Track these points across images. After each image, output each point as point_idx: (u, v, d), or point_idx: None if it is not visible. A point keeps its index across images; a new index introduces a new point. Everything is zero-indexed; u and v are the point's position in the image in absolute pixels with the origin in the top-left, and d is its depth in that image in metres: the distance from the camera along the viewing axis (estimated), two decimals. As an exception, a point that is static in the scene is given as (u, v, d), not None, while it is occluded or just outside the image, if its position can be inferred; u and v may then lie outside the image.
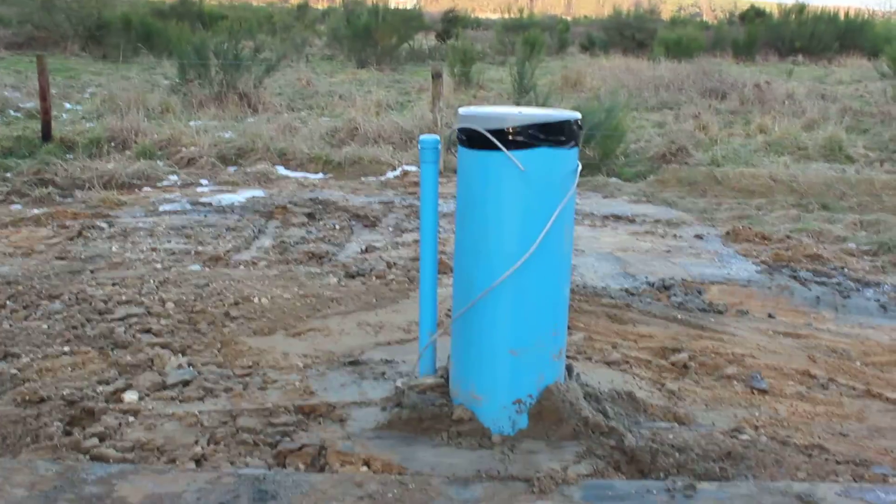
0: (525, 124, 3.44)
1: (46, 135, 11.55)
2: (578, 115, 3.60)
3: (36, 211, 8.09)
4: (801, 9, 39.75)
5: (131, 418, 3.90)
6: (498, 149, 3.44)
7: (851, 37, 36.42)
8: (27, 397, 4.07)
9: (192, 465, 3.52)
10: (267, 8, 51.51)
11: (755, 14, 44.71)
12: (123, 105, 13.88)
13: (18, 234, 7.23)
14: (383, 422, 3.81)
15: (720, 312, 5.68)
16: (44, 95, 11.64)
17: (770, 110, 16.84)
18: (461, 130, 3.59)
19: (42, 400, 4.04)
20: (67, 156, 10.87)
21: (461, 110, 3.64)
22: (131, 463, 3.52)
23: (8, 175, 9.73)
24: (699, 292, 6.06)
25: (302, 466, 3.52)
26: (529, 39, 29.14)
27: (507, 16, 47.34)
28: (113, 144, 11.44)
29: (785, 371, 4.65)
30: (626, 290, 6.08)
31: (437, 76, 11.24)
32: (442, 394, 3.87)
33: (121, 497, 3.20)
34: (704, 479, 3.40)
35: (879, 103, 18.33)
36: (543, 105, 12.01)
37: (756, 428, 3.94)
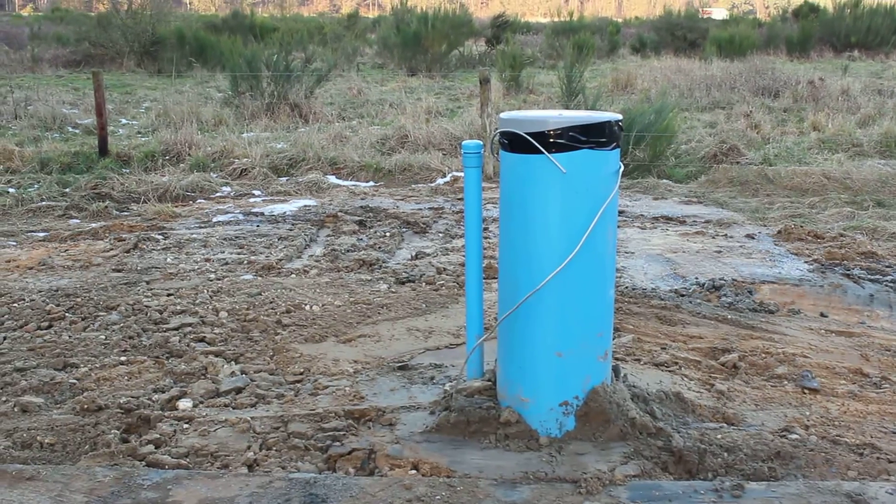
0: (565, 126, 3.46)
1: (103, 150, 11.76)
2: (619, 117, 3.61)
3: (93, 224, 8.25)
4: (856, 3, 39.20)
5: (185, 425, 3.97)
6: (539, 152, 3.47)
7: (908, 30, 35.83)
8: (85, 406, 4.17)
9: (245, 470, 3.58)
10: (318, 18, 51.91)
11: (809, 10, 44.16)
12: (177, 119, 14.13)
13: (77, 247, 7.38)
14: (432, 425, 3.85)
15: (771, 312, 5.64)
16: (100, 111, 11.86)
17: (824, 107, 16.65)
18: (503, 134, 3.62)
19: (100, 408, 4.14)
20: (123, 170, 11.08)
21: (502, 115, 3.67)
22: (186, 468, 3.59)
23: (67, 190, 9.94)
24: (750, 292, 6.02)
25: (352, 470, 3.56)
26: (579, 42, 29.10)
27: (556, 19, 47.27)
28: (167, 158, 11.64)
29: (837, 370, 4.62)
30: (676, 292, 6.06)
31: (485, 81, 11.27)
32: (489, 397, 3.90)
33: (176, 501, 3.27)
34: (753, 478, 3.40)
35: (937, 97, 18.04)
36: (592, 108, 12.00)
37: (806, 427, 3.91)
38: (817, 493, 3.22)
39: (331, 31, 38.79)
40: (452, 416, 3.82)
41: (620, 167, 3.66)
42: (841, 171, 10.52)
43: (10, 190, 10.00)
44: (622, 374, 4.06)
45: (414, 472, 3.52)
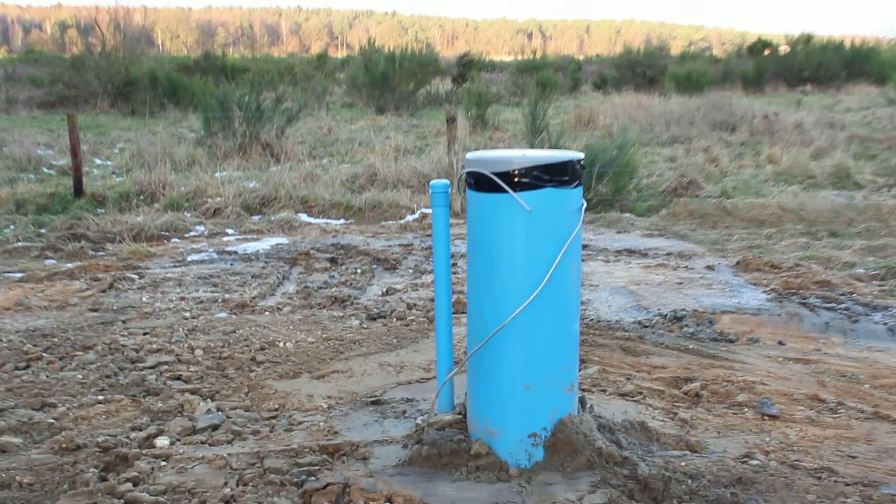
0: (529, 166, 3.51)
1: (78, 191, 11.72)
2: (581, 156, 3.67)
3: (69, 265, 8.21)
4: (807, 39, 39.88)
5: (163, 462, 3.96)
6: (504, 191, 3.52)
7: (858, 64, 36.54)
8: (64, 445, 4.14)
9: (222, 505, 3.58)
10: (288, 59, 52.06)
11: (763, 46, 44.84)
12: (151, 159, 14.10)
13: (53, 287, 7.34)
14: (405, 458, 3.86)
15: (731, 341, 5.71)
16: (75, 153, 11.83)
17: (779, 140, 16.90)
18: (469, 174, 3.67)
19: (78, 447, 4.12)
20: (99, 210, 11.05)
21: (468, 155, 3.71)
22: (164, 505, 3.58)
23: (42, 231, 9.89)
24: (710, 322, 6.09)
25: (327, 504, 3.57)
26: (542, 80, 29.34)
27: (520, 57, 47.66)
28: (142, 198, 11.62)
29: (795, 396, 4.68)
30: (640, 323, 6.11)
31: (451, 120, 11.36)
32: (460, 429, 3.92)
33: (154, 539, 3.26)
34: (716, 504, 3.44)
35: (886, 129, 18.36)
36: (556, 145, 12.10)
37: (767, 453, 3.96)
38: (778, 518, 3.27)
39: (301, 71, 38.91)
40: (424, 450, 3.84)
41: (583, 204, 3.72)
42: (796, 202, 10.66)
43: (-15, 231, 9.95)
44: (589, 405, 4.10)
45: (387, 504, 3.54)
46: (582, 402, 4.01)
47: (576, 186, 3.64)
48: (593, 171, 11.38)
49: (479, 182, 3.62)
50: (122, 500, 3.66)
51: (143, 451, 4.09)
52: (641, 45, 45.31)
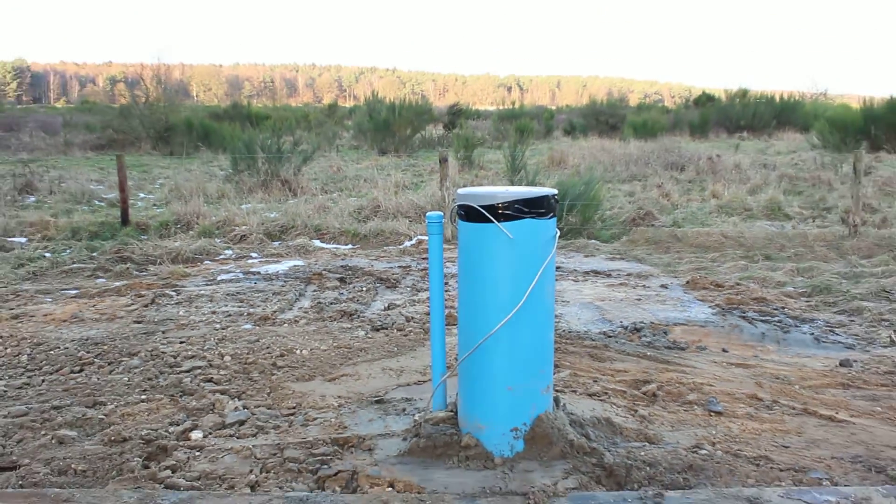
0: (511, 200, 3.52)
1: (125, 220, 11.69)
2: (555, 192, 3.68)
3: (117, 283, 8.17)
4: (744, 93, 40.20)
5: (197, 453, 3.94)
6: (490, 221, 3.53)
7: (786, 115, 36.81)
8: (112, 438, 4.12)
9: (248, 490, 3.55)
10: (303, 108, 52.13)
11: (707, 99, 45.12)
12: (186, 193, 14.08)
13: (103, 302, 7.31)
14: (404, 450, 3.84)
15: (682, 349, 5.70)
16: (122, 187, 11.81)
17: (721, 178, 16.97)
18: (460, 206, 3.67)
19: (124, 440, 4.09)
20: (142, 237, 11.01)
21: (459, 190, 3.71)
22: (198, 490, 3.55)
23: (94, 254, 9.86)
24: (665, 333, 6.08)
25: (338, 489, 3.54)
26: (520, 126, 29.43)
27: (501, 107, 47.89)
28: (179, 226, 11.59)
29: (736, 396, 4.67)
30: (605, 333, 6.11)
31: (443, 160, 11.37)
32: (452, 425, 3.90)
33: (190, 519, 3.23)
34: (671, 488, 3.42)
35: (810, 170, 18.47)
36: (532, 182, 12.13)
37: (713, 444, 3.95)
38: (723, 499, 3.25)
39: (314, 118, 39.00)
40: (421, 442, 3.82)
41: (557, 233, 3.72)
42: (735, 231, 10.68)
43: (47, 254, 9.90)
44: (562, 404, 4.09)
45: (390, 489, 3.51)
46: (556, 401, 4.00)
47: (551, 217, 3.65)
48: (564, 203, 11.41)
49: (469, 213, 3.62)
50: (162, 485, 3.63)
51: (180, 443, 4.06)
52: (604, 97, 45.48)
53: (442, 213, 3.94)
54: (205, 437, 4.16)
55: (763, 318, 6.44)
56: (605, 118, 37.55)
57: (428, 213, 3.92)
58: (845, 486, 3.45)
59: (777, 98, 39.61)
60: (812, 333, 6.04)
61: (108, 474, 3.78)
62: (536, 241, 3.60)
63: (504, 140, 28.86)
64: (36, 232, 11.30)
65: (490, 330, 3.59)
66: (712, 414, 4.39)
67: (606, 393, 4.72)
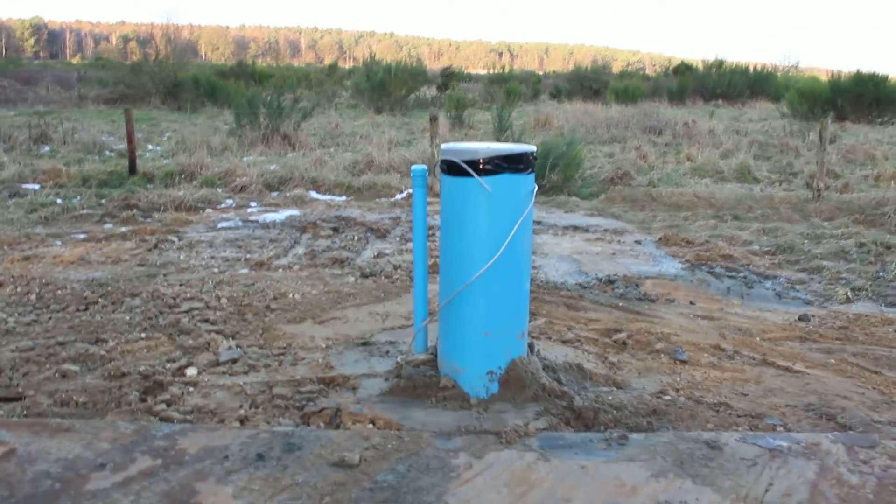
0: (492, 156, 3.45)
1: (132, 170, 11.55)
2: (534, 148, 3.60)
3: (123, 229, 8.08)
4: (720, 64, 39.88)
5: (191, 388, 3.89)
6: (471, 175, 3.45)
7: (759, 85, 36.59)
8: (112, 373, 4.07)
9: (238, 424, 3.51)
10: (305, 68, 51.51)
11: (685, 68, 44.75)
12: (191, 146, 13.89)
13: (109, 246, 7.22)
14: (386, 389, 3.80)
15: (652, 301, 5.67)
16: (130, 139, 11.65)
17: (696, 143, 16.86)
18: (443, 161, 3.59)
19: (123, 375, 4.05)
20: (148, 185, 10.88)
21: (443, 145, 3.63)
22: (191, 423, 3.51)
23: (103, 201, 9.73)
24: (637, 285, 6.05)
25: (322, 424, 3.51)
26: (509, 90, 29.17)
27: (492, 71, 47.44)
28: (183, 176, 11.43)
29: (701, 346, 4.64)
30: (580, 285, 6.07)
31: (433, 119, 11.23)
32: (432, 367, 3.86)
33: (182, 449, 3.19)
34: (635, 430, 3.39)
35: (779, 137, 18.35)
36: (517, 141, 11.99)
37: (677, 390, 3.92)
38: (683, 441, 3.22)
39: (315, 77, 38.52)
40: (402, 382, 3.79)
41: (535, 187, 3.65)
42: (707, 192, 10.62)
43: (58, 200, 9.77)
44: (536, 350, 4.04)
45: (371, 426, 3.47)
46: (531, 346, 3.96)
47: (529, 173, 3.57)
48: (547, 162, 11.31)
49: (451, 168, 3.54)
50: (157, 418, 3.59)
51: (176, 379, 4.01)
52: (589, 64, 45.06)
53: (426, 168, 3.86)
54: (199, 373, 4.11)
55: (729, 274, 6.41)
56: (589, 83, 37.25)
57: (413, 167, 3.83)
58: (798, 431, 3.43)
59: (751, 69, 39.31)
60: (774, 290, 6.02)
61: (107, 406, 3.73)
62: (515, 195, 3.53)
63: (494, 102, 28.60)
64: (48, 179, 11.15)
65: (469, 278, 3.54)
66: (677, 362, 4.36)
67: (579, 340, 4.68)
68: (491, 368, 3.67)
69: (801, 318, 5.24)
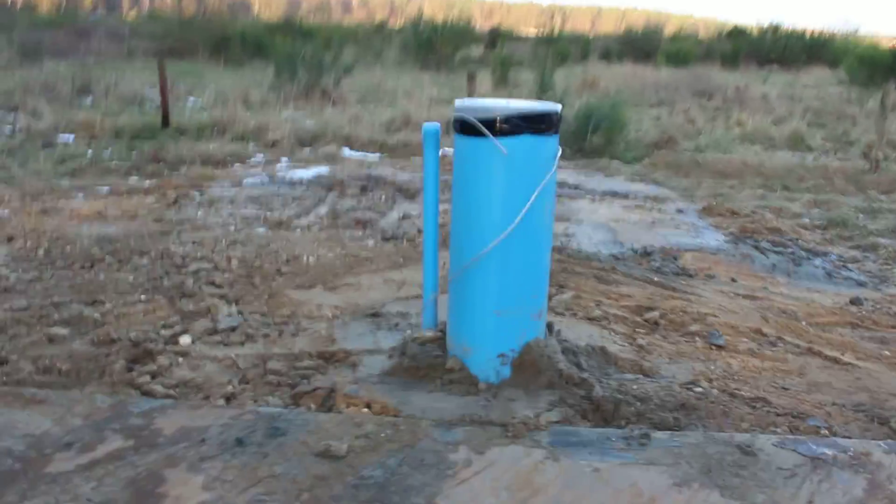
0: (510, 114, 3.02)
1: (165, 122, 11.28)
2: (558, 108, 3.15)
3: (147, 183, 7.80)
4: (775, 28, 38.46)
5: (181, 359, 3.58)
6: (486, 136, 3.03)
7: (816, 51, 35.12)
8: (101, 338, 3.79)
9: (223, 402, 3.20)
10: (355, 26, 50.87)
11: (739, 31, 43.26)
12: (233, 99, 13.58)
13: (130, 201, 6.95)
14: (388, 368, 3.44)
15: (690, 276, 5.20)
16: (163, 91, 11.38)
17: (747, 108, 16.05)
18: (456, 120, 3.17)
19: (113, 341, 3.76)
20: (181, 139, 10.59)
21: (457, 102, 3.21)
22: (173, 398, 3.20)
23: (133, 153, 9.48)
24: (675, 258, 5.57)
25: (313, 406, 3.16)
26: (558, 50, 28.38)
27: (541, 32, 46.58)
28: (216, 130, 11.11)
29: (740, 329, 4.19)
30: (614, 256, 5.61)
31: (471, 77, 10.75)
32: (439, 346, 3.48)
33: (157, 429, 2.89)
34: (659, 427, 2.98)
35: (835, 104, 17.44)
36: (560, 101, 11.42)
37: (710, 381, 3.50)
38: (713, 444, 2.81)
39: (362, 35, 37.90)
40: (406, 362, 3.41)
41: (559, 150, 3.21)
42: (756, 159, 10.01)
43: (89, 152, 9.55)
44: (556, 330, 3.64)
45: (366, 410, 3.12)
46: (549, 327, 3.56)
47: (552, 134, 3.13)
48: (589, 124, 10.78)
49: (465, 127, 3.13)
50: (139, 391, 3.29)
51: (167, 348, 3.71)
52: (641, 27, 43.77)
53: (439, 126, 3.44)
54: (193, 342, 3.80)
55: (775, 249, 5.89)
56: (640, 45, 36.09)
57: (425, 125, 3.42)
58: (845, 437, 2.99)
59: (808, 34, 37.74)
60: (824, 268, 5.49)
61: (90, 376, 3.44)
62: (535, 159, 3.11)
63: (547, 62, 27.80)
64: (83, 130, 10.94)
65: (480, 251, 3.13)
66: (713, 347, 3.92)
67: (607, 318, 4.26)
68: (503, 351, 3.28)
69: (852, 302, 4.74)
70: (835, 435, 3.01)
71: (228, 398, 3.22)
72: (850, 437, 2.96)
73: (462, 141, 3.18)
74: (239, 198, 7.06)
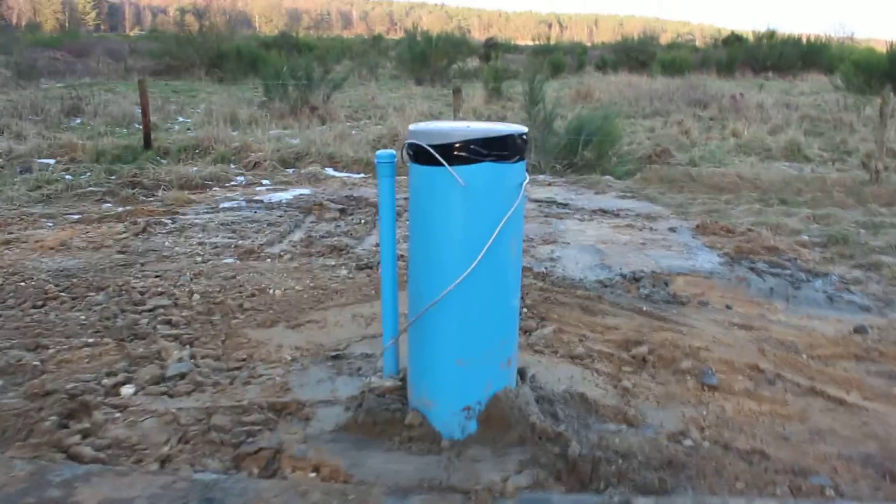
0: (467, 139, 2.67)
1: (147, 144, 10.93)
2: (524, 130, 2.80)
3: (120, 209, 7.45)
4: (771, 34, 38.19)
5: (118, 414, 3.22)
6: (441, 164, 2.68)
7: (812, 57, 34.80)
8: (36, 391, 3.41)
9: (156, 466, 2.83)
10: (353, 39, 50.68)
11: (735, 39, 42.98)
12: (218, 118, 13.25)
13: (99, 229, 6.59)
14: (342, 424, 3.07)
15: (682, 304, 4.82)
16: (144, 112, 11.02)
17: (743, 117, 15.69)
18: (409, 146, 2.82)
19: (48, 393, 3.38)
20: (162, 161, 10.24)
21: (410, 126, 2.86)
22: (101, 463, 2.85)
23: (112, 177, 9.13)
24: (666, 283, 5.20)
25: (256, 470, 2.80)
26: (552, 61, 28.12)
27: (538, 42, 46.35)
28: (197, 151, 10.75)
29: (736, 365, 3.82)
30: (601, 282, 5.24)
31: (457, 91, 10.39)
32: (400, 397, 3.12)
33: (77, 502, 2.53)
34: (643, 491, 2.62)
35: (833, 111, 17.06)
36: (550, 114, 11.05)
37: (702, 429, 3.13)
38: (704, 513, 2.45)
39: (357, 49, 37.64)
40: (360, 417, 3.05)
41: (525, 179, 2.86)
42: (752, 172, 9.62)
43: (67, 177, 9.20)
44: (529, 376, 3.29)
45: (314, 474, 2.76)
46: (522, 374, 3.19)
47: (517, 161, 2.78)
48: (580, 138, 10.42)
49: (418, 154, 2.78)
50: (65, 454, 2.93)
51: (106, 400, 3.35)
52: (638, 35, 43.51)
53: (394, 153, 3.09)
54: (135, 392, 3.44)
55: (773, 271, 5.51)
56: (635, 55, 35.83)
57: (378, 153, 3.06)
58: (854, 499, 2.62)
59: (804, 40, 37.42)
60: (825, 291, 5.11)
61: (17, 435, 3.07)
62: (497, 190, 2.76)
63: (537, 74, 27.44)
64: (64, 154, 10.60)
65: (440, 292, 2.78)
66: (706, 388, 3.56)
67: (591, 356, 3.89)
68: (468, 403, 2.92)
69: (856, 330, 4.36)
70: (842, 496, 2.64)
71: (163, 461, 2.87)
72: (860, 501, 2.60)
73: (416, 170, 2.83)
74: (212, 224, 6.69)
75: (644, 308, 4.69)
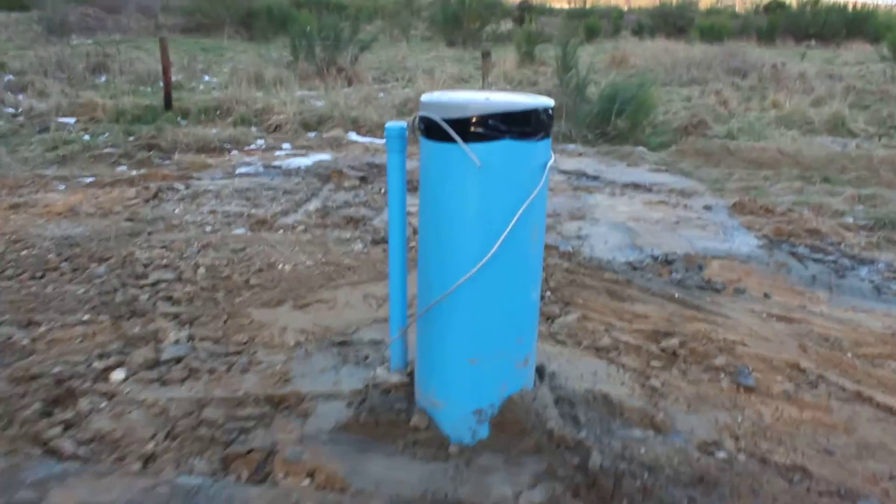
0: (485, 114, 2.36)
1: (168, 104, 10.68)
2: (550, 103, 2.48)
3: (134, 172, 7.22)
4: (815, 1, 36.96)
5: (105, 403, 3.00)
6: (455, 141, 2.38)
7: (857, 25, 33.64)
8: (21, 374, 3.21)
9: (138, 465, 2.61)
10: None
11: (777, 5, 41.72)
12: (242, 78, 12.96)
13: (110, 194, 6.37)
14: (343, 421, 2.82)
15: (717, 291, 4.49)
16: (166, 71, 10.76)
17: (784, 88, 15.09)
18: (421, 119, 2.52)
19: (33, 377, 3.18)
20: (182, 122, 10.00)
21: (423, 97, 2.55)
22: (80, 459, 2.63)
23: (130, 139, 8.90)
24: (700, 268, 4.87)
25: (245, 473, 2.57)
26: (588, 25, 27.43)
27: (573, 5, 45.51)
28: (219, 112, 10.48)
29: (774, 363, 3.50)
30: (630, 264, 4.92)
31: (486, 55, 10.03)
32: (406, 394, 2.86)
33: (49, 505, 2.32)
34: (670, 513, 2.35)
35: (879, 83, 16.35)
36: (583, 81, 10.62)
37: (736, 439, 2.84)
38: (739, 544, 2.18)
39: (391, 9, 36.97)
40: (363, 415, 2.79)
41: (550, 159, 2.56)
42: (793, 147, 9.16)
43: (85, 137, 9.00)
44: (549, 373, 3.01)
45: (308, 480, 2.52)
46: (540, 372, 2.92)
47: (541, 139, 2.47)
48: (614, 107, 10.01)
49: (430, 129, 2.48)
50: (43, 447, 2.72)
51: (94, 386, 3.13)
52: (676, 0, 42.39)
53: (405, 125, 2.79)
54: (126, 378, 3.21)
55: (815, 257, 5.15)
56: (673, 20, 34.90)
57: (387, 125, 2.77)
58: (910, 532, 2.33)
59: (849, 7, 36.23)
60: (872, 280, 4.75)
61: (-3, 424, 2.87)
62: (518, 171, 2.45)
63: (572, 37, 26.81)
64: (85, 113, 10.39)
65: (451, 284, 2.50)
66: (741, 389, 3.26)
67: (617, 348, 3.61)
68: (480, 406, 2.65)
69: (907, 326, 4.02)
70: (895, 527, 2.35)
71: (147, 460, 2.64)
72: (915, 535, 2.31)
73: (428, 146, 2.54)
74: (225, 191, 6.44)
75: (676, 294, 4.38)
